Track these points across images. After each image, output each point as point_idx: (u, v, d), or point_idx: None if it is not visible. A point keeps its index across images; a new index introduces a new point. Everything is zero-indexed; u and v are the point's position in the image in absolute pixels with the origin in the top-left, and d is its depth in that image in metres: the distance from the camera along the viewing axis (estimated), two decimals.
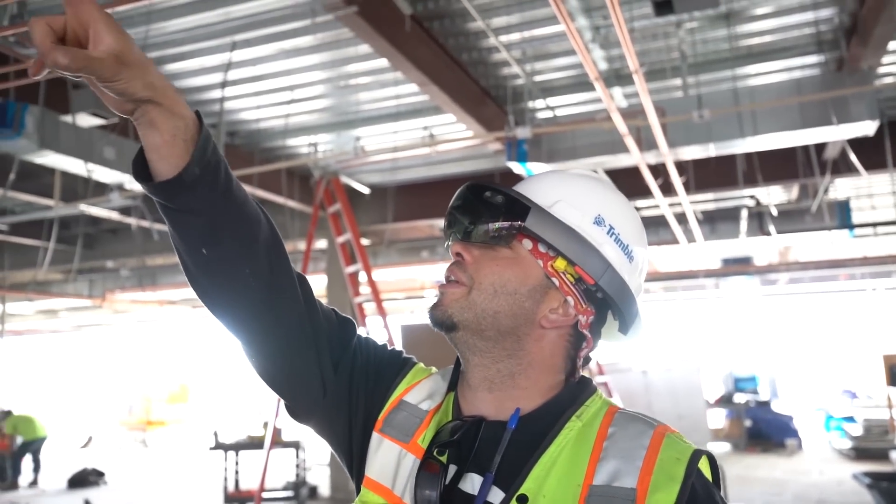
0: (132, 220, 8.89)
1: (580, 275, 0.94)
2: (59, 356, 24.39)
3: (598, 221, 0.96)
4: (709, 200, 9.89)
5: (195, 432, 19.80)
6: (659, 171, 6.54)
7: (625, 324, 0.99)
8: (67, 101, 5.33)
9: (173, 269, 13.02)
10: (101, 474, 12.14)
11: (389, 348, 1.11)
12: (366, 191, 9.18)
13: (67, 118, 5.43)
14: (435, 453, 0.90)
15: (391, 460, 0.98)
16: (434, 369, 1.11)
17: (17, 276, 12.83)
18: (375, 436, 1.01)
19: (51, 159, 5.45)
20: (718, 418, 14.60)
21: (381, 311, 7.01)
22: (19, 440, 12.09)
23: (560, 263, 0.94)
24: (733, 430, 13.95)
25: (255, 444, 9.20)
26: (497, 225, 0.93)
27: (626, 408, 0.97)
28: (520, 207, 0.93)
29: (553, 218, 0.93)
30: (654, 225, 9.90)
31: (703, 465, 0.88)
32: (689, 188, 7.35)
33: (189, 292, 12.72)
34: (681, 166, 7.10)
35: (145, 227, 8.39)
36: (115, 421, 21.06)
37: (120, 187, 6.57)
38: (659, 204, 7.35)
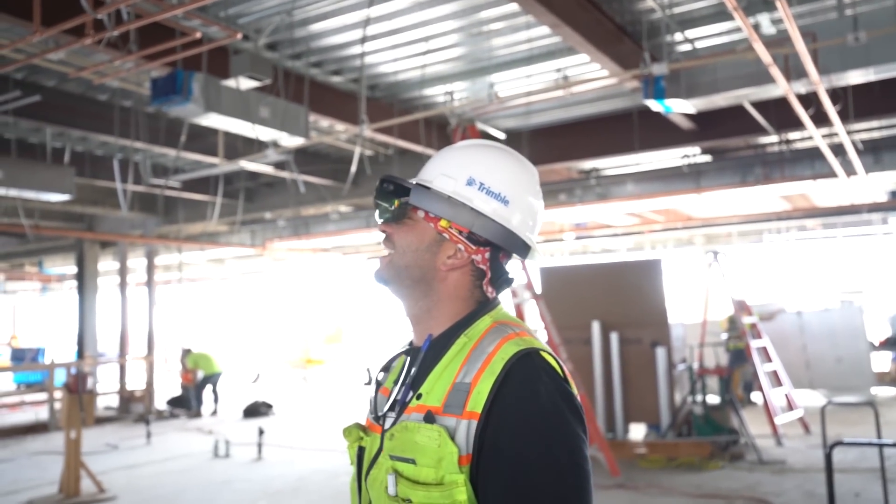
0: (286, 174, 9.56)
1: (458, 228, 1.23)
2: (230, 301, 26.73)
3: (470, 182, 1.25)
4: (873, 129, 9.11)
5: (349, 370, 21.19)
6: (811, 100, 6.14)
7: (515, 253, 1.28)
8: (227, 67, 5.80)
9: (324, 219, 13.85)
10: (269, 406, 13.40)
11: None
12: (501, 136, 9.26)
13: (228, 82, 5.92)
14: (378, 378, 1.34)
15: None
16: None
17: (191, 228, 14.20)
18: None
19: (214, 120, 5.98)
20: (884, 361, 13.65)
21: None
22: (200, 374, 13.56)
23: (444, 222, 1.24)
24: None
25: None
26: (395, 206, 1.27)
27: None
28: (406, 189, 1.25)
29: (430, 190, 1.25)
30: (809, 158, 9.27)
31: (552, 361, 1.15)
32: (847, 116, 6.84)
33: (340, 240, 13.48)
34: (837, 94, 6.62)
35: (297, 180, 8.98)
36: (280, 359, 22.95)
37: (275, 143, 7.09)
38: (812, 135, 6.91)
